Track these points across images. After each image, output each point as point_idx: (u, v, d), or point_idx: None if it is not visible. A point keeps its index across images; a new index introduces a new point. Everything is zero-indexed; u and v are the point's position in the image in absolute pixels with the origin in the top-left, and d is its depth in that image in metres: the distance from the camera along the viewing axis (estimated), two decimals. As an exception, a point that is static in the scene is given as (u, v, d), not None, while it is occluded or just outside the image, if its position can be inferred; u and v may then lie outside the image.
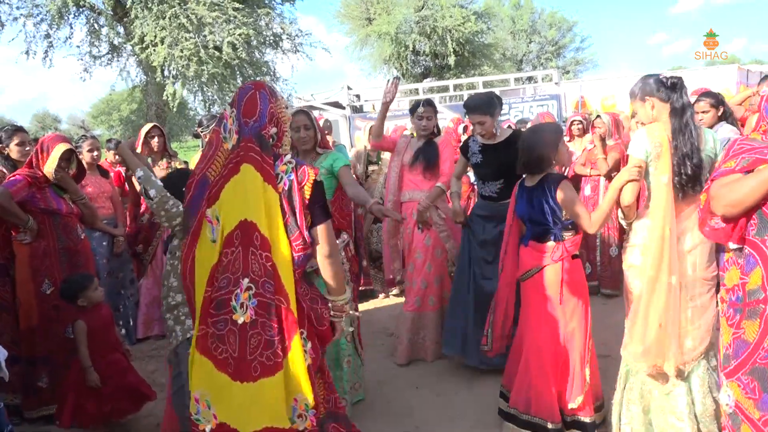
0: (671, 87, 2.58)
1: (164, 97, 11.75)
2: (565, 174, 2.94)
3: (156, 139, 4.86)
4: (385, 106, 3.96)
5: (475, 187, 5.13)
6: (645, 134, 2.58)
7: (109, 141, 6.48)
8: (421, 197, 4.03)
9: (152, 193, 3.10)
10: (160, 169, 4.79)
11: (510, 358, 3.07)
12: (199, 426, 1.94)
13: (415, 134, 4.39)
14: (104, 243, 4.59)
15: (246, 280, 1.90)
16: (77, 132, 37.30)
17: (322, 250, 2.06)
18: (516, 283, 3.08)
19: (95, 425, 3.22)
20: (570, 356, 2.80)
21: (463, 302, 3.84)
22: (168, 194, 3.14)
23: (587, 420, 2.82)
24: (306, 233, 1.99)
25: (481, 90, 10.91)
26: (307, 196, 1.98)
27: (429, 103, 4.15)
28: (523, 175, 3.04)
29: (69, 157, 3.53)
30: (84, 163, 4.65)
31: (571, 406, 2.80)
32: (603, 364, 3.18)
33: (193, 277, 2.01)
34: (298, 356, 1.90)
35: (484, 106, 3.64)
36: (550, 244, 2.83)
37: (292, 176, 1.97)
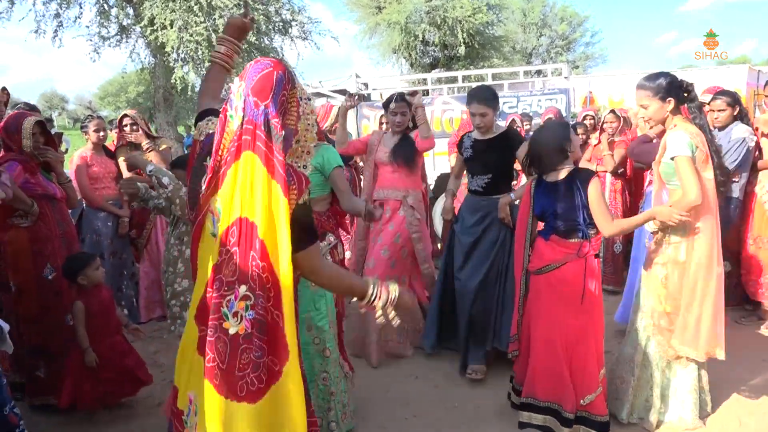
0: (689, 89, 2.77)
1: (172, 81, 11.72)
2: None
3: (128, 127, 4.83)
4: (344, 110, 4.10)
5: None
6: (685, 134, 2.67)
7: (110, 122, 6.47)
8: (397, 195, 4.03)
9: (165, 181, 3.10)
10: (140, 153, 4.75)
11: (521, 353, 3.04)
12: (184, 429, 1.74)
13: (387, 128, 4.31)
14: (109, 223, 4.62)
15: (243, 287, 1.59)
16: (84, 113, 37.35)
17: (313, 280, 1.78)
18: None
19: (93, 406, 3.23)
20: (581, 352, 2.79)
21: (439, 298, 3.85)
22: (180, 183, 3.13)
23: (600, 419, 2.79)
24: None
25: (490, 82, 10.82)
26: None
27: (402, 98, 4.04)
28: (530, 172, 3.01)
29: (41, 130, 3.40)
30: (90, 142, 4.68)
31: (582, 402, 2.79)
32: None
33: (196, 272, 1.77)
34: (293, 384, 1.60)
35: (491, 98, 3.61)
36: (576, 240, 2.81)
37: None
